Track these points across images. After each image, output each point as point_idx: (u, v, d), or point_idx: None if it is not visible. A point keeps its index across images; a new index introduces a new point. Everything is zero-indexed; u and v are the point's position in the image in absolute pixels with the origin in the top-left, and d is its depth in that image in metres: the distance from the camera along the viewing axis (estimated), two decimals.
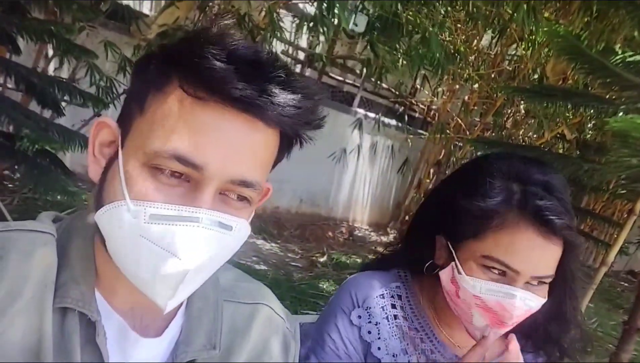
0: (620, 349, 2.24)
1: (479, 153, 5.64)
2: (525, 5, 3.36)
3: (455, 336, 1.02)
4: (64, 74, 3.53)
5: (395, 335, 0.99)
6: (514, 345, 0.87)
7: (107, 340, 0.61)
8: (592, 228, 7.50)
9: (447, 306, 0.97)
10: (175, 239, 0.56)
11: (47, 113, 2.97)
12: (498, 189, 0.88)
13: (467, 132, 5.50)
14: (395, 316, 1.00)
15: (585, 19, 3.93)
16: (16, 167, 2.91)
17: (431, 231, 0.98)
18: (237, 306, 0.73)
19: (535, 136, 5.69)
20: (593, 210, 6.83)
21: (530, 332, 0.99)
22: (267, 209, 5.35)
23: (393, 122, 6.28)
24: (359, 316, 0.98)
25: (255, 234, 5.08)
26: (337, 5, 2.40)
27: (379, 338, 0.97)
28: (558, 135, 5.43)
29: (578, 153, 4.85)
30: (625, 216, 3.42)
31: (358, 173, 6.10)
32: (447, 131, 5.51)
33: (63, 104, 2.82)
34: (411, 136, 6.08)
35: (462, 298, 0.90)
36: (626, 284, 8.30)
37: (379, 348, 0.97)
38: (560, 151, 5.64)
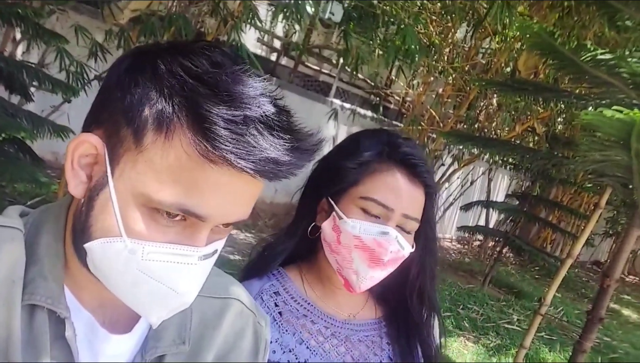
0: (584, 337, 2.31)
1: (452, 146, 5.72)
2: (500, 0, 3.39)
3: (342, 304, 1.08)
4: (33, 58, 3.44)
5: (287, 330, 1.02)
6: None
7: (76, 336, 0.61)
8: (559, 219, 7.70)
9: (329, 277, 1.04)
10: (174, 276, 0.59)
11: (15, 99, 2.89)
12: (371, 146, 1.03)
13: (441, 125, 5.56)
14: (281, 313, 1.03)
15: (557, 14, 4.00)
16: None
17: (315, 200, 1.05)
18: (208, 300, 0.73)
19: (507, 129, 5.80)
20: (561, 202, 7.01)
21: (408, 289, 1.09)
22: None
23: (368, 113, 6.31)
24: None
25: None
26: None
27: (271, 341, 0.98)
28: (529, 128, 5.54)
29: (547, 146, 4.96)
30: (592, 208, 3.51)
31: None
32: (421, 123, 5.56)
33: (32, 89, 2.75)
34: (386, 127, 6.12)
35: (344, 243, 0.99)
36: (591, 274, 8.56)
37: (274, 352, 0.99)
38: (531, 144, 5.77)
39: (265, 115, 0.57)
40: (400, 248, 0.98)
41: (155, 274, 0.58)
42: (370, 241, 0.96)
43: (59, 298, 0.60)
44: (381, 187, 0.98)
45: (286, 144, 0.57)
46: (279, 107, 0.59)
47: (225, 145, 0.54)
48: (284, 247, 1.08)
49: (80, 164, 0.61)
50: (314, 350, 1.01)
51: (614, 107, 1.49)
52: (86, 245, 0.59)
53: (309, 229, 1.04)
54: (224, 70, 0.58)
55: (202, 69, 0.57)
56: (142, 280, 0.58)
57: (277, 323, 1.01)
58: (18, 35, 3.28)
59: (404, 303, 1.09)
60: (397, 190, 0.98)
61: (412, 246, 1.01)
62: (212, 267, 0.64)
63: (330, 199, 1.02)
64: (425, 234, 1.04)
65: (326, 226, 1.01)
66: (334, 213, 1.00)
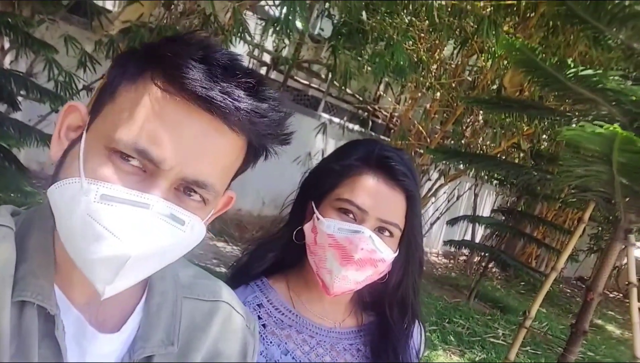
0: (568, 350, 2.33)
1: (438, 161, 5.78)
2: (487, 19, 3.47)
3: (328, 311, 1.07)
4: (21, 67, 3.43)
5: (271, 342, 1.01)
6: None
7: (65, 334, 0.61)
8: (544, 235, 7.77)
9: (315, 283, 1.03)
10: (119, 220, 0.56)
11: (2, 107, 2.88)
12: (353, 152, 1.05)
13: (428, 140, 5.62)
14: (265, 325, 1.02)
15: (542, 34, 4.09)
16: None
17: (303, 205, 1.06)
18: (197, 303, 0.74)
19: (492, 145, 5.87)
20: (545, 218, 7.08)
21: (389, 296, 1.08)
22: (229, 212, 5.28)
23: (357, 127, 6.35)
24: None
25: (216, 236, 5.03)
26: (297, 12, 2.42)
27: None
28: (514, 145, 5.61)
29: (532, 162, 5.03)
30: (576, 224, 3.56)
31: None
32: (409, 137, 5.61)
33: (19, 98, 2.74)
34: None
35: (319, 243, 0.99)
36: (575, 290, 8.63)
37: None
38: (516, 160, 5.84)
39: (232, 64, 0.59)
40: (375, 248, 0.97)
41: (102, 218, 0.55)
42: (342, 239, 0.96)
43: (49, 295, 0.60)
44: (357, 189, 0.99)
45: (247, 86, 0.58)
46: (245, 65, 0.61)
47: (184, 74, 0.56)
48: (272, 250, 1.08)
49: (67, 136, 0.63)
50: (300, 361, 1.01)
51: (595, 122, 1.53)
52: (49, 189, 0.60)
53: (295, 234, 1.04)
54: (203, 38, 0.61)
55: (177, 36, 0.62)
56: (89, 226, 0.56)
57: (261, 336, 1.00)
58: (6, 45, 3.28)
59: (385, 311, 1.08)
60: (373, 193, 0.99)
61: (395, 252, 1.01)
62: (190, 264, 0.63)
63: (312, 203, 1.02)
64: (407, 240, 1.03)
65: (307, 228, 1.02)
66: (314, 215, 1.01)
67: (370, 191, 0.99)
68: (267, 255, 1.09)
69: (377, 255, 0.97)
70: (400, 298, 1.08)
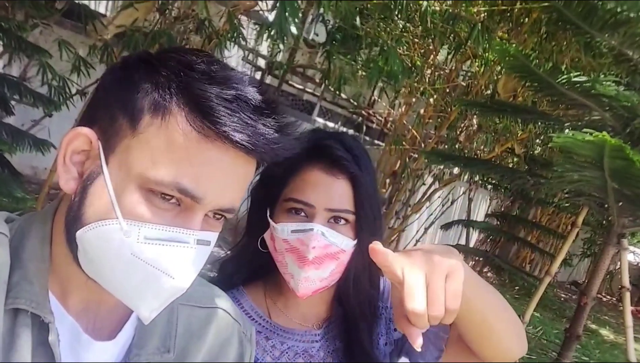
0: (562, 355, 2.34)
1: (433, 165, 5.79)
2: (479, 25, 3.48)
3: (307, 315, 1.06)
4: (14, 72, 3.41)
5: None
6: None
7: (60, 342, 0.60)
8: (538, 239, 7.80)
9: (290, 288, 1.02)
10: (169, 260, 0.59)
11: None
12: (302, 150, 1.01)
13: (422, 144, 5.63)
14: None
15: (535, 40, 4.11)
16: None
17: (262, 212, 1.04)
18: (193, 310, 0.73)
19: (486, 149, 5.89)
20: (539, 222, 7.10)
21: (344, 285, 1.04)
22: None
23: (351, 132, 6.36)
24: None
25: None
26: (289, 14, 2.42)
27: None
28: (508, 149, 5.64)
29: (526, 166, 5.05)
30: (569, 229, 3.58)
31: None
32: (403, 142, 5.62)
33: (12, 103, 2.73)
34: (368, 146, 6.17)
35: (278, 249, 0.98)
36: (569, 294, 8.66)
37: None
38: (510, 165, 5.86)
39: (253, 97, 0.60)
40: (328, 242, 0.95)
41: (150, 258, 0.58)
42: (295, 241, 0.95)
43: (43, 303, 0.60)
44: (301, 185, 0.98)
45: (273, 123, 0.61)
46: (263, 93, 0.63)
47: (221, 119, 0.57)
48: (240, 264, 1.07)
49: (72, 161, 0.62)
50: None
51: (585, 129, 1.54)
52: (79, 232, 0.59)
53: (260, 242, 1.03)
54: (212, 59, 0.62)
55: (192, 59, 0.61)
56: (136, 265, 0.58)
57: None
58: (0, 49, 3.26)
59: (348, 301, 1.06)
60: (315, 185, 0.97)
61: (355, 239, 0.99)
62: (201, 268, 0.64)
63: (267, 210, 1.01)
64: (359, 224, 1.00)
65: (266, 236, 1.01)
66: (271, 223, 0.99)
67: (313, 183, 0.98)
68: (243, 265, 1.07)
69: (333, 248, 0.96)
70: (354, 284, 1.04)
